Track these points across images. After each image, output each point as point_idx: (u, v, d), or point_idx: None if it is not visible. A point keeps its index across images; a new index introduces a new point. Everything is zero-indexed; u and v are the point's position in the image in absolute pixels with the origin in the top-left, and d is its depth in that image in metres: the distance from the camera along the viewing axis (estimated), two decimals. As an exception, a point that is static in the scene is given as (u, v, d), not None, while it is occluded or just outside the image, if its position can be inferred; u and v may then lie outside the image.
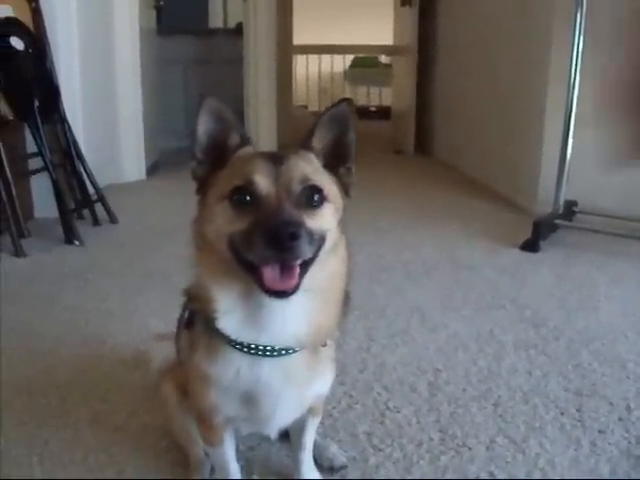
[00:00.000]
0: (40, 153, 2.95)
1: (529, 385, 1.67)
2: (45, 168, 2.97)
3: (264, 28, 5.43)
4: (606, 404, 1.58)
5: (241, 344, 0.96)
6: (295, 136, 5.98)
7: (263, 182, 0.92)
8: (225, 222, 0.92)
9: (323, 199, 0.95)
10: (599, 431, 1.46)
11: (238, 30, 5.83)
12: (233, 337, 0.96)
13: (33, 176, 3.21)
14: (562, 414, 1.53)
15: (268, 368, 0.98)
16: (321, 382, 1.09)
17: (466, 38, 5.06)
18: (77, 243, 2.92)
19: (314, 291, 0.97)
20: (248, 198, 0.91)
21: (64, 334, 1.96)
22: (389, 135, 7.00)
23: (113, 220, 3.34)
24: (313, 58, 10.39)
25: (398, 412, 1.53)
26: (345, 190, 1.04)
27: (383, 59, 10.65)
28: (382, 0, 7.46)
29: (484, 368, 1.76)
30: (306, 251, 0.87)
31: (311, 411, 1.15)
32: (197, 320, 1.03)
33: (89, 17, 3.81)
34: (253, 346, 0.96)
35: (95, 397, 1.59)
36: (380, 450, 1.37)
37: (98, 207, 3.33)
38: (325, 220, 0.94)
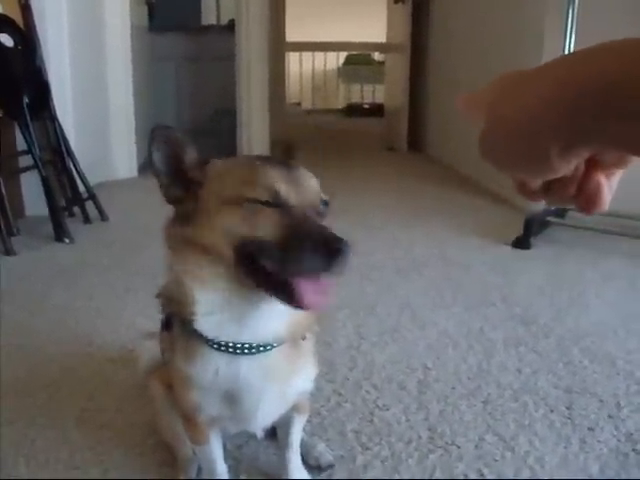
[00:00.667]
0: (30, 151, 2.93)
1: (519, 383, 1.67)
2: (35, 166, 2.95)
3: (257, 25, 5.42)
4: (596, 401, 1.58)
5: (219, 343, 0.95)
6: (288, 134, 6.00)
7: (290, 192, 0.91)
8: (235, 228, 0.90)
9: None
10: (589, 429, 1.46)
11: (231, 27, 5.81)
12: (211, 337, 0.95)
13: (23, 174, 3.19)
14: (552, 412, 1.53)
15: (247, 366, 0.97)
16: (303, 377, 1.07)
17: (459, 35, 5.06)
18: (67, 241, 2.91)
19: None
20: (261, 205, 0.89)
21: (52, 332, 1.95)
22: (382, 132, 7.00)
23: (104, 218, 3.33)
24: (306, 55, 10.39)
25: (387, 410, 1.52)
26: None
27: (376, 56, 10.64)
28: (375, -3, 7.46)
29: (474, 366, 1.76)
30: None
31: (296, 408, 1.14)
32: (174, 322, 1.04)
33: (79, 13, 3.80)
34: (231, 344, 0.95)
35: (82, 395, 1.58)
36: (368, 449, 1.37)
37: (89, 205, 3.31)
38: None
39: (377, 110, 8.72)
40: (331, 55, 10.75)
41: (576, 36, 2.86)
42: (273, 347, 0.97)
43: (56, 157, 3.26)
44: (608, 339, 1.94)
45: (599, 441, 1.41)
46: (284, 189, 0.90)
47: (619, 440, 1.41)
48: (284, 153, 1.17)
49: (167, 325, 1.08)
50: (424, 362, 1.78)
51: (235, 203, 0.91)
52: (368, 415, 1.50)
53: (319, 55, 10.64)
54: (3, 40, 2.91)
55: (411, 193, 4.19)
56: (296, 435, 1.20)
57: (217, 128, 6.12)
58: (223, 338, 0.95)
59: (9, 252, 2.72)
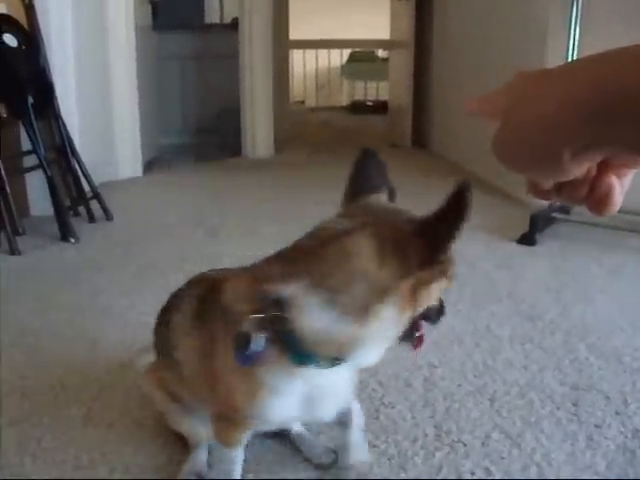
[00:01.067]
0: (35, 150, 2.94)
1: (525, 379, 1.66)
2: (40, 165, 2.96)
3: (260, 23, 5.42)
4: (602, 398, 1.57)
5: None
6: (292, 133, 5.99)
7: None
8: None
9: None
10: (595, 425, 1.45)
11: (234, 25, 5.81)
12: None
13: (28, 174, 3.19)
14: (558, 409, 1.52)
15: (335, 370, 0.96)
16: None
17: (463, 32, 5.05)
18: (72, 240, 2.91)
19: None
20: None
21: (58, 331, 1.95)
22: (386, 129, 7.00)
23: (109, 217, 3.33)
24: (310, 53, 10.37)
25: (393, 408, 1.52)
26: None
27: (380, 53, 10.62)
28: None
29: (480, 363, 1.75)
30: None
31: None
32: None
33: (83, 13, 3.80)
34: None
35: (88, 395, 1.58)
36: (375, 446, 1.37)
37: (94, 204, 3.32)
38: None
39: (381, 107, 8.71)
40: (335, 52, 10.73)
41: (580, 33, 2.86)
42: None
43: (61, 157, 3.26)
44: (614, 335, 1.94)
45: (606, 438, 1.40)
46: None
47: (626, 437, 1.41)
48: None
49: (209, 315, 1.08)
50: (430, 359, 1.77)
51: None
52: (374, 412, 1.50)
53: (323, 53, 10.62)
54: (7, 40, 2.91)
55: (415, 189, 4.17)
56: (357, 413, 1.22)
57: (221, 126, 6.12)
58: None
59: (14, 251, 2.72)
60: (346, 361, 0.94)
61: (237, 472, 1.14)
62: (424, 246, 0.91)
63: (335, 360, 0.93)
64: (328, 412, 1.06)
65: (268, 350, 0.92)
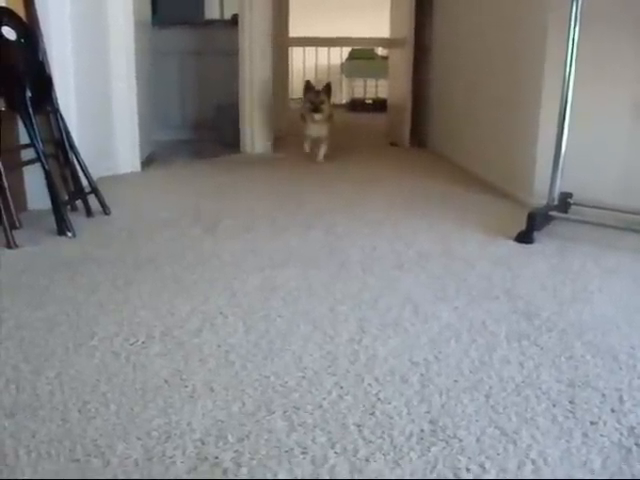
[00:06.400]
0: (32, 144, 2.93)
1: (521, 376, 1.66)
2: (38, 159, 2.95)
3: (260, 20, 5.42)
4: (598, 396, 1.57)
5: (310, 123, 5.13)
6: (291, 129, 5.99)
7: (312, 97, 5.10)
8: (307, 103, 5.09)
9: (324, 101, 5.07)
10: (591, 422, 1.45)
11: (234, 21, 5.80)
12: (308, 123, 5.16)
13: (26, 167, 3.19)
14: (554, 406, 1.52)
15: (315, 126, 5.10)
16: (325, 129, 5.13)
17: (462, 30, 5.05)
18: (69, 234, 2.91)
19: (324, 120, 5.08)
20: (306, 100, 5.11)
21: (55, 325, 1.95)
22: (385, 127, 6.99)
23: (106, 212, 3.33)
24: (310, 50, 10.37)
25: (389, 403, 1.52)
26: (329, 98, 5.15)
27: (380, 51, 10.62)
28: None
29: (476, 359, 1.75)
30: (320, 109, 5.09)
31: (323, 140, 5.17)
32: (303, 120, 5.17)
33: (82, 7, 3.79)
34: (312, 123, 5.11)
35: (84, 388, 1.58)
36: (370, 442, 1.36)
37: (91, 199, 3.32)
38: (324, 105, 5.07)
39: (380, 105, 8.71)
40: (334, 50, 10.74)
41: (580, 31, 2.85)
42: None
43: (59, 151, 3.25)
44: (611, 333, 1.94)
45: (602, 435, 1.40)
46: (314, 98, 5.07)
47: (622, 434, 1.41)
48: (325, 87, 5.14)
49: (301, 118, 5.23)
50: (426, 355, 1.77)
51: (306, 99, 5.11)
52: (370, 408, 1.50)
53: (322, 50, 10.62)
54: (6, 33, 2.90)
55: (414, 188, 4.18)
56: (323, 147, 5.17)
57: (220, 122, 6.12)
58: (310, 122, 5.19)
59: (11, 245, 2.72)
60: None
61: (306, 147, 5.28)
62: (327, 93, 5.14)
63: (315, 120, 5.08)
64: (315, 134, 5.15)
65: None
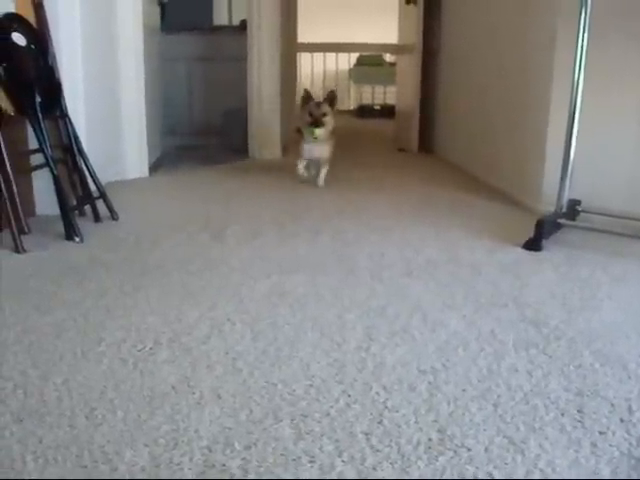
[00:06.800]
0: (41, 149, 2.94)
1: (529, 385, 1.66)
2: (46, 164, 2.96)
3: (268, 26, 5.43)
4: (607, 405, 1.56)
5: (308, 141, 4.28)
6: (299, 135, 5.98)
7: (314, 110, 4.22)
8: (306, 117, 4.23)
9: (326, 114, 4.22)
10: (600, 432, 1.44)
11: (242, 27, 5.82)
12: (307, 140, 4.29)
13: (34, 172, 3.20)
14: (562, 415, 1.51)
15: (314, 145, 4.28)
16: (326, 150, 4.32)
17: (470, 37, 5.05)
18: (77, 240, 2.91)
19: (325, 136, 4.27)
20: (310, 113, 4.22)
21: (62, 330, 1.95)
22: (393, 133, 7.00)
23: (114, 217, 3.33)
24: (318, 56, 10.38)
25: (397, 412, 1.52)
26: (332, 109, 4.30)
27: (388, 58, 10.63)
28: (387, -2, 7.44)
29: (484, 368, 1.75)
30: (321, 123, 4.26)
31: (324, 162, 4.36)
32: (300, 136, 4.34)
33: (92, 13, 3.81)
34: (311, 141, 4.27)
35: (92, 394, 1.58)
36: (378, 450, 1.36)
37: (99, 204, 3.32)
38: (327, 118, 4.24)
39: (388, 111, 8.71)
40: (342, 56, 10.75)
41: (589, 37, 2.85)
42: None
43: (67, 156, 3.26)
44: (620, 342, 1.93)
45: (610, 445, 1.39)
46: (314, 110, 4.22)
47: (630, 444, 1.40)
48: (328, 97, 4.35)
49: (298, 132, 4.38)
50: (434, 364, 1.77)
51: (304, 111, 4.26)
52: (377, 416, 1.50)
53: (330, 56, 10.64)
54: (16, 39, 2.91)
55: (422, 194, 4.18)
56: (324, 169, 4.36)
57: (228, 128, 6.13)
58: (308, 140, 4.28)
59: (19, 250, 2.72)
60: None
61: (300, 169, 4.40)
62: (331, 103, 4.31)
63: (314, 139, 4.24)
64: (315, 155, 4.33)
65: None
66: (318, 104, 4.28)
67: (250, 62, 5.50)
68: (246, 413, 1.50)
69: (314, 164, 4.43)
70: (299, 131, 4.40)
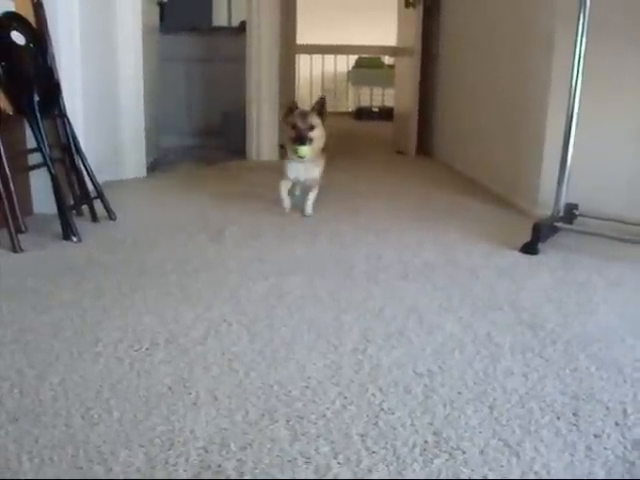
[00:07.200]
0: (39, 149, 2.94)
1: (525, 388, 1.66)
2: (44, 164, 2.96)
3: (267, 27, 5.43)
4: (602, 408, 1.57)
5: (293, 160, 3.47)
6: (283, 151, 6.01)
7: (299, 122, 3.36)
8: (289, 131, 3.41)
9: (314, 127, 3.37)
10: (595, 435, 1.45)
11: (242, 28, 5.82)
12: (292, 159, 3.48)
13: (32, 172, 3.20)
14: (558, 418, 1.52)
15: (300, 166, 3.48)
16: (315, 171, 3.53)
17: (469, 39, 5.06)
18: (75, 239, 2.91)
19: (314, 155, 3.44)
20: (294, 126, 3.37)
21: (59, 330, 1.95)
22: (391, 136, 7.00)
23: (112, 217, 3.33)
24: (317, 58, 10.39)
25: (392, 414, 1.52)
26: (323, 121, 3.43)
27: (387, 60, 10.64)
28: (386, 1, 7.45)
29: (480, 371, 1.75)
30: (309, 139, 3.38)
31: (313, 185, 3.55)
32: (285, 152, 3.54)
33: (91, 13, 3.80)
34: (297, 160, 3.45)
35: (88, 394, 1.58)
36: (374, 452, 1.36)
37: (97, 204, 3.32)
38: (315, 132, 3.38)
39: (386, 114, 8.72)
40: (341, 58, 10.75)
41: (587, 40, 2.85)
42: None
43: (65, 155, 3.26)
44: (615, 346, 1.93)
45: (605, 448, 1.40)
46: (298, 122, 3.35)
47: (625, 447, 1.40)
48: (317, 105, 3.45)
49: (283, 150, 3.67)
50: (430, 366, 1.77)
51: (288, 124, 3.42)
52: (373, 418, 1.50)
53: (329, 58, 10.65)
54: (15, 38, 2.91)
55: (419, 197, 4.18)
56: (312, 194, 3.54)
57: (226, 129, 6.13)
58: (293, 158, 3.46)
59: (17, 249, 2.72)
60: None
61: (285, 200, 3.56)
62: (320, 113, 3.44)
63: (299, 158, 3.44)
64: (301, 177, 3.53)
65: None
66: (304, 114, 3.41)
67: (249, 63, 5.50)
68: (242, 414, 1.50)
69: (301, 186, 3.74)
70: (283, 147, 3.70)
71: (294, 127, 3.37)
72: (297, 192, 3.75)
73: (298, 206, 3.60)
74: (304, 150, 3.39)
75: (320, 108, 3.44)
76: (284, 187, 3.57)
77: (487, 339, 1.96)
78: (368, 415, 1.51)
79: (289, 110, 3.48)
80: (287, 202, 3.56)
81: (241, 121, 5.68)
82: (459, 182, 4.70)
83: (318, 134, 3.41)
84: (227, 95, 6.15)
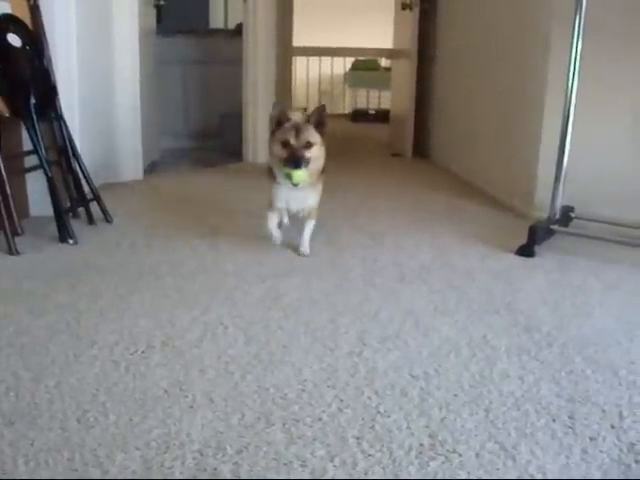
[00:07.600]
0: (36, 151, 2.93)
1: (521, 391, 1.66)
2: (40, 166, 2.95)
3: (264, 29, 5.43)
4: (598, 411, 1.57)
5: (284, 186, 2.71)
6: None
7: (292, 139, 2.56)
8: (278, 150, 2.61)
9: (312, 145, 2.59)
10: (590, 438, 1.45)
11: (238, 31, 5.82)
12: (281, 184, 2.72)
13: (28, 174, 3.20)
14: (554, 421, 1.52)
15: (293, 192, 2.72)
16: (312, 198, 2.82)
17: (465, 42, 5.06)
18: (71, 242, 2.91)
19: (311, 179, 2.69)
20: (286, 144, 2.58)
21: (55, 333, 1.95)
22: (387, 138, 7.00)
23: (108, 219, 3.33)
24: (313, 60, 10.39)
25: (388, 417, 1.52)
26: (322, 136, 2.65)
27: (383, 62, 10.64)
28: (383, 3, 7.46)
29: (476, 373, 1.75)
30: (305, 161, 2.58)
31: (310, 216, 2.87)
32: (271, 177, 2.78)
33: (88, 15, 3.80)
34: (288, 186, 2.68)
35: (84, 397, 1.58)
36: (369, 455, 1.36)
37: (93, 206, 3.32)
38: (313, 151, 2.60)
39: (383, 116, 8.72)
40: (338, 60, 10.75)
41: (583, 43, 2.86)
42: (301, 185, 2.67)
43: (62, 158, 3.26)
44: (611, 348, 1.94)
45: (601, 451, 1.40)
46: (291, 139, 2.56)
47: (621, 450, 1.40)
48: (316, 115, 2.67)
49: (269, 175, 2.80)
50: (426, 369, 1.77)
51: (278, 142, 2.61)
52: (369, 421, 1.50)
53: (326, 60, 10.64)
54: (11, 40, 2.91)
55: (415, 199, 4.19)
56: (308, 228, 2.87)
57: (223, 131, 6.13)
58: (284, 185, 2.70)
59: (13, 252, 2.72)
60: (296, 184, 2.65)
61: (274, 233, 2.88)
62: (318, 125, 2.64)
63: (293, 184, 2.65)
64: (294, 206, 2.82)
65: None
66: (298, 128, 2.59)
67: (245, 65, 5.50)
68: (238, 417, 1.50)
69: (294, 217, 3.04)
70: (270, 171, 2.80)
71: (286, 145, 2.58)
72: (285, 221, 3.10)
73: (290, 237, 2.99)
74: (299, 176, 2.60)
75: (319, 118, 2.64)
76: (272, 219, 2.86)
77: (483, 342, 1.96)
78: (364, 418, 1.51)
79: (278, 122, 2.63)
80: (277, 236, 2.88)
81: (238, 123, 5.68)
82: (455, 184, 4.70)
83: (316, 153, 2.63)
84: (224, 97, 6.15)
